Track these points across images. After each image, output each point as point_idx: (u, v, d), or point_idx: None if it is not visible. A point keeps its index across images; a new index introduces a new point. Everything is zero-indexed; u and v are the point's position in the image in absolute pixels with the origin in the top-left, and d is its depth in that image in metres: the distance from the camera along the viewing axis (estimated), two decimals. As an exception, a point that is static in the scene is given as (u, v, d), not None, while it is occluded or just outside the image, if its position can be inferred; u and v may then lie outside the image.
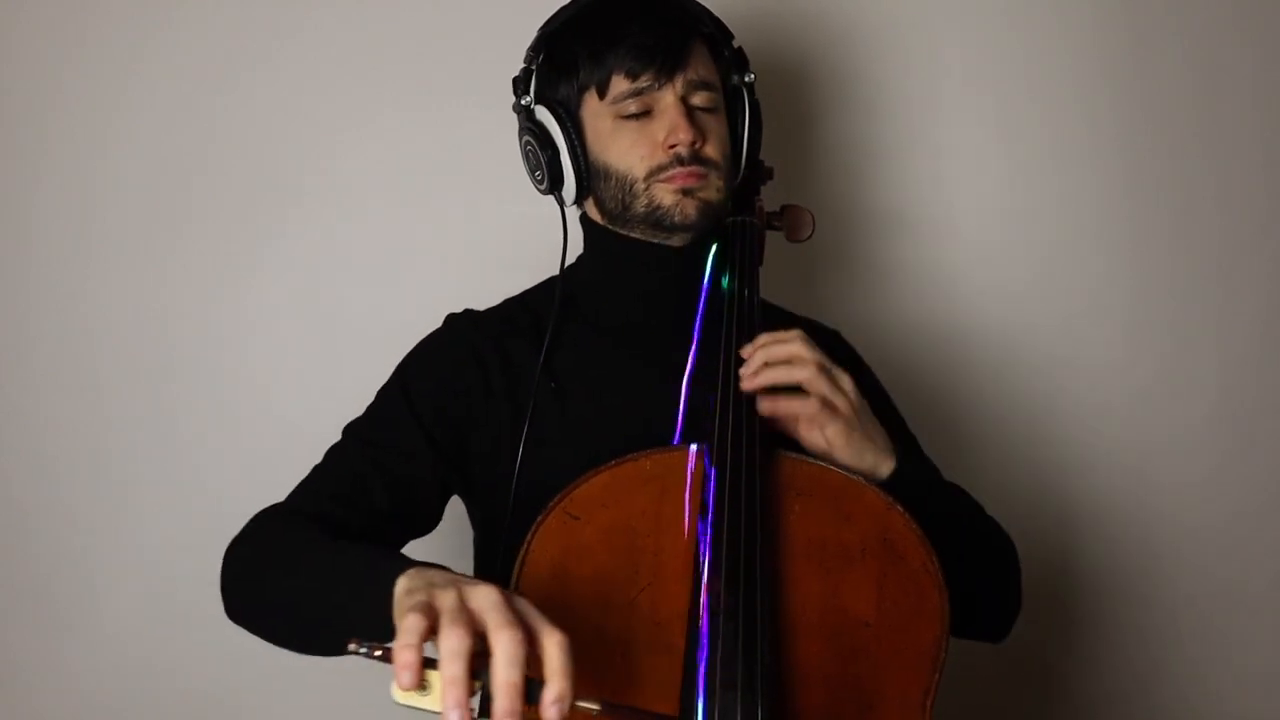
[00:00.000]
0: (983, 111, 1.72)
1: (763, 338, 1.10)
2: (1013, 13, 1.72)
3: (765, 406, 1.08)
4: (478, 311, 1.26)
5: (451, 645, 0.75)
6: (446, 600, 0.79)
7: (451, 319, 1.25)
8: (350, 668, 1.64)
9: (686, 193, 1.15)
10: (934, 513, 1.07)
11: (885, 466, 1.09)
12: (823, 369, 1.07)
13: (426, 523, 1.19)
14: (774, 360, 1.08)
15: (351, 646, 0.77)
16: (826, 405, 1.07)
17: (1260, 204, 1.77)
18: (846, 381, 1.09)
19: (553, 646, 0.77)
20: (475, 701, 0.76)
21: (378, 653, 0.77)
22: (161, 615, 1.61)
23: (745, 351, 1.10)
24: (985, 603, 1.18)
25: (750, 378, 1.08)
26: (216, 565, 1.66)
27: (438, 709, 0.75)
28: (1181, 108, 1.75)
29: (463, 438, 1.18)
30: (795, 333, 1.09)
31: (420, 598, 0.80)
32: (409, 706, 0.76)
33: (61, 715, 1.62)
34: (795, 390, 1.09)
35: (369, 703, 1.65)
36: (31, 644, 1.62)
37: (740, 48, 1.24)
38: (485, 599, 0.79)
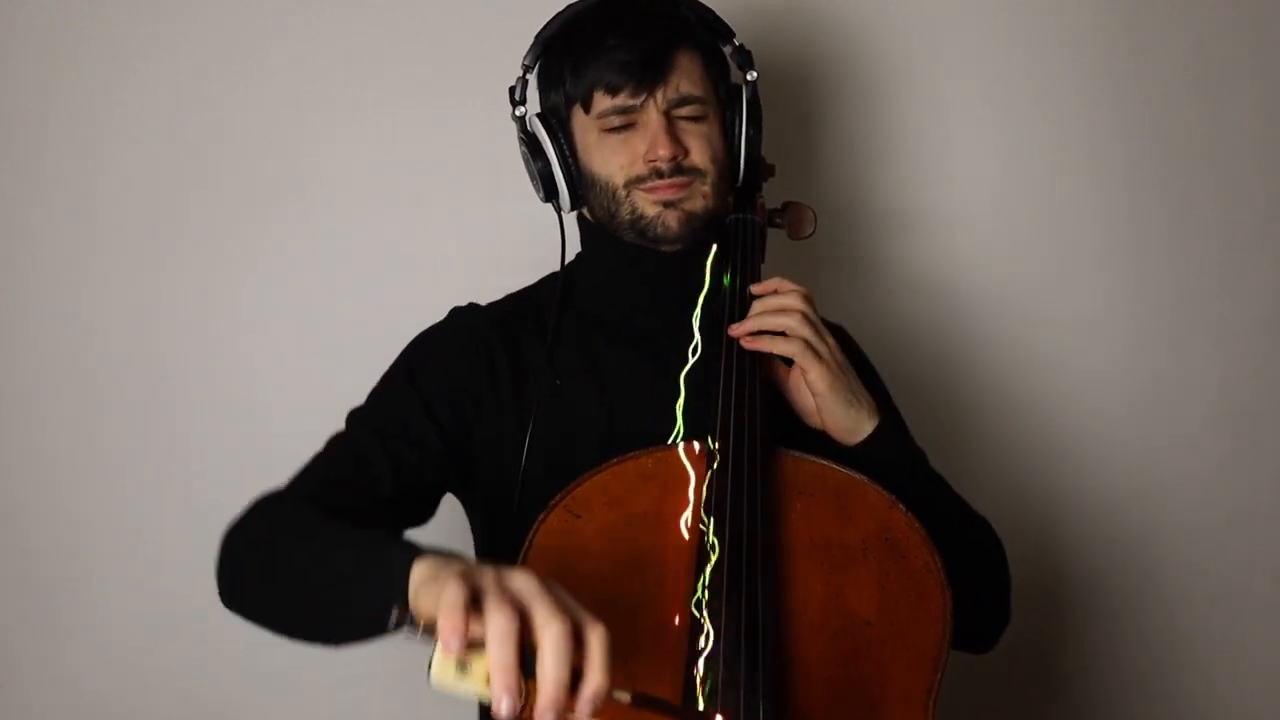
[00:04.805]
0: (984, 110, 1.72)
1: (771, 282, 1.14)
2: (1013, 12, 1.72)
3: (747, 343, 1.12)
4: (482, 306, 1.26)
5: (501, 628, 0.72)
6: (487, 579, 0.75)
7: (457, 311, 1.25)
8: (350, 671, 1.65)
9: (669, 205, 1.16)
10: (918, 488, 1.10)
11: (870, 422, 1.12)
12: (808, 318, 1.11)
13: (423, 514, 1.18)
14: (767, 309, 1.12)
15: (396, 615, 0.73)
16: (810, 348, 1.10)
17: (1260, 204, 1.77)
18: (830, 340, 1.13)
19: (596, 640, 0.74)
20: None
21: (423, 628, 0.73)
22: (161, 616, 1.61)
23: (755, 288, 1.14)
24: (971, 600, 1.15)
25: (739, 325, 1.12)
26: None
27: (480, 691, 0.73)
28: (1181, 107, 1.75)
29: (468, 430, 1.17)
30: (798, 288, 1.13)
31: (453, 573, 0.76)
32: (447, 689, 0.73)
33: (61, 716, 1.62)
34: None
35: (369, 707, 1.66)
36: (31, 644, 1.62)
37: (742, 45, 1.23)
38: (526, 584, 0.75)
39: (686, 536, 1.02)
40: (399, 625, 0.74)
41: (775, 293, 1.13)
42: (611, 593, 1.00)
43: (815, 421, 1.13)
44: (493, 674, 0.71)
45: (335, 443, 1.14)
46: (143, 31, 1.60)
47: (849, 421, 1.11)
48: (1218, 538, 1.77)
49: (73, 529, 1.61)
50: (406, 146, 1.63)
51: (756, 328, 1.12)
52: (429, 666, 0.73)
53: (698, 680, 0.96)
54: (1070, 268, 1.74)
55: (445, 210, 1.64)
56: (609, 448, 1.05)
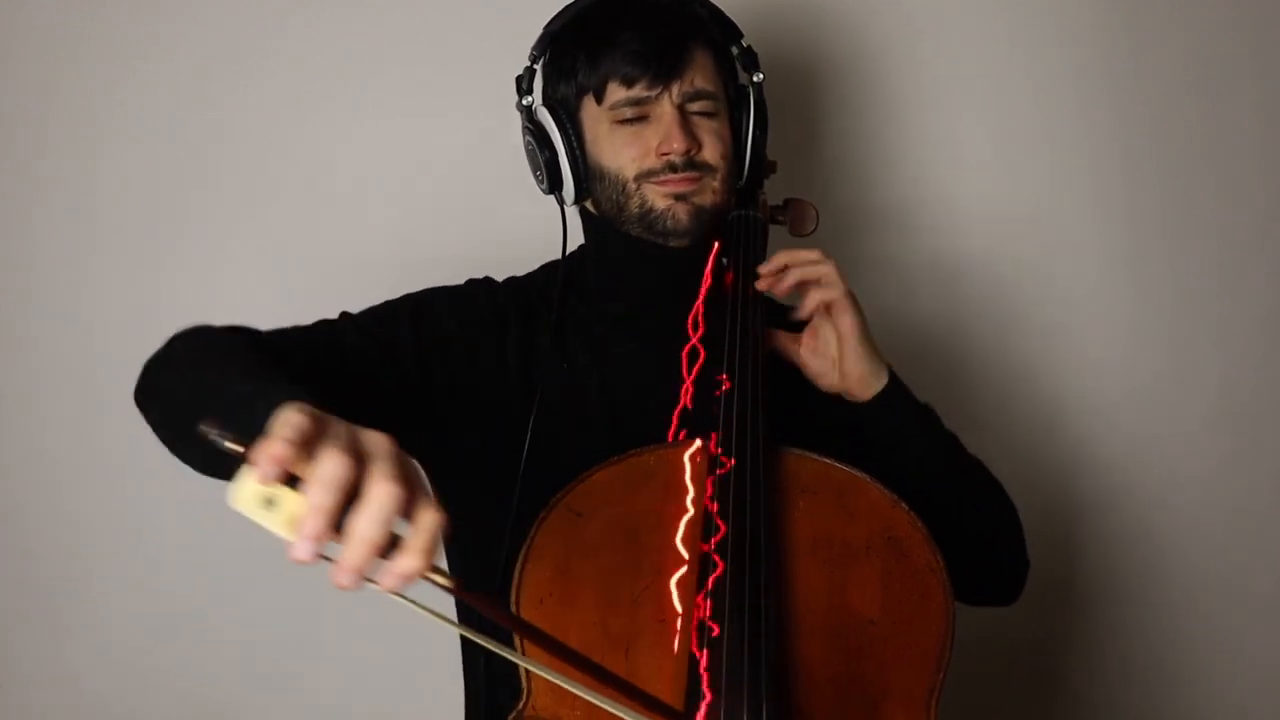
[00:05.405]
0: (985, 108, 1.72)
1: (780, 256, 1.15)
2: (1013, 12, 1.72)
3: (790, 280, 1.14)
4: (497, 281, 1.26)
5: (329, 471, 0.66)
6: (340, 426, 0.70)
7: (474, 281, 1.25)
8: (350, 671, 1.64)
9: (679, 198, 1.16)
10: (936, 439, 1.15)
11: (885, 374, 1.15)
12: (841, 271, 1.13)
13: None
14: (796, 262, 1.14)
15: (203, 427, 0.66)
16: (850, 294, 1.13)
17: (1260, 204, 1.77)
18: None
19: (427, 521, 0.68)
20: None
21: (229, 444, 0.66)
22: (161, 616, 1.61)
23: (762, 268, 1.15)
24: (987, 553, 1.18)
25: (770, 274, 1.14)
26: (216, 567, 1.64)
27: (282, 532, 0.66)
28: (1181, 106, 1.75)
29: (451, 391, 1.15)
30: (815, 249, 1.15)
31: (309, 411, 0.71)
32: (248, 516, 0.67)
33: (61, 716, 1.62)
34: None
35: (368, 706, 1.66)
36: (31, 644, 1.61)
37: (749, 46, 1.23)
38: (380, 444, 0.70)
39: (688, 535, 1.02)
40: (208, 440, 0.66)
41: (786, 267, 1.14)
42: (613, 591, 0.99)
43: (832, 379, 1.15)
44: (305, 516, 0.65)
45: (318, 323, 1.15)
46: (143, 31, 1.60)
47: (871, 374, 1.14)
48: (1218, 538, 1.77)
49: (73, 529, 1.61)
50: (406, 146, 1.63)
51: (796, 279, 1.13)
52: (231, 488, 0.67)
53: (699, 678, 0.96)
54: (1070, 268, 1.74)
55: (445, 210, 1.64)
56: (611, 444, 1.05)
